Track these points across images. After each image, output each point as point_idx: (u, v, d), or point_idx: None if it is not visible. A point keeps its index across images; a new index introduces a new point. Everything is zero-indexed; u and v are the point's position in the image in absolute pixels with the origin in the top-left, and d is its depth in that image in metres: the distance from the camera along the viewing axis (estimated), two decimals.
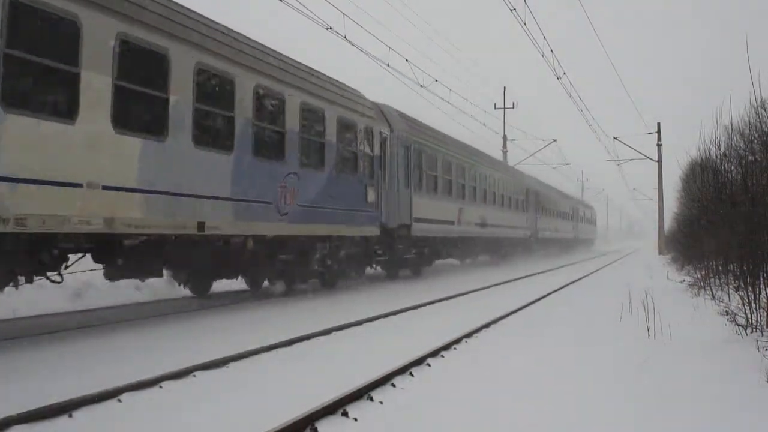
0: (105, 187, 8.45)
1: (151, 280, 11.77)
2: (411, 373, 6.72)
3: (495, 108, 46.14)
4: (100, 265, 9.65)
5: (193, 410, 5.39)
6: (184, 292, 13.53)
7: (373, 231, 16.53)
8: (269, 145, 12.28)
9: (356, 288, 16.79)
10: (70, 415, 5.12)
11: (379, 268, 19.47)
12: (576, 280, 20.81)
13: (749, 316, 8.57)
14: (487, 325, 10.10)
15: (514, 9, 19.31)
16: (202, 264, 12.11)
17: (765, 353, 6.90)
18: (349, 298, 14.54)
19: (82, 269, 9.64)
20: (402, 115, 19.76)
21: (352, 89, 16.51)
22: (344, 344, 8.60)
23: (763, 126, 11.15)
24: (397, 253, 19.07)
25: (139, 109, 9.32)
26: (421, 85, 23.61)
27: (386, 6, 28.11)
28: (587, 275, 23.70)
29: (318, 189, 13.86)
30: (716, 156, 14.64)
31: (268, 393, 5.98)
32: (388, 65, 19.77)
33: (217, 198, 10.64)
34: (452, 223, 23.12)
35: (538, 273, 24.75)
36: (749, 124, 12.53)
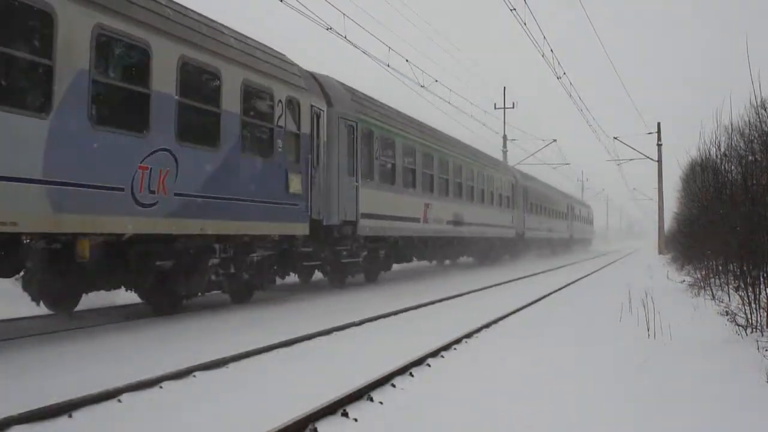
0: None
1: None
2: (411, 374, 6.72)
3: (495, 108, 46.23)
4: None
5: (193, 410, 5.39)
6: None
7: (298, 228, 13.22)
8: (121, 111, 9.17)
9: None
10: (70, 416, 5.12)
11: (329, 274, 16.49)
12: (576, 281, 20.81)
13: (749, 316, 8.58)
14: (487, 326, 10.10)
15: (514, 9, 19.34)
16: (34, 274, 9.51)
17: (765, 353, 6.91)
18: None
19: None
20: (349, 90, 16.53)
21: (272, 50, 13.19)
22: (344, 344, 8.61)
23: (763, 126, 11.17)
24: (338, 256, 15.80)
25: None
26: (421, 86, 23.62)
27: (386, 6, 28.15)
28: (587, 275, 23.71)
29: (210, 174, 10.54)
30: (716, 156, 14.67)
31: (268, 393, 5.98)
32: (388, 65, 19.77)
33: (20, 180, 7.46)
34: (417, 220, 20.05)
35: (538, 273, 24.75)
36: (749, 123, 12.56)
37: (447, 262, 28.12)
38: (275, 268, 13.37)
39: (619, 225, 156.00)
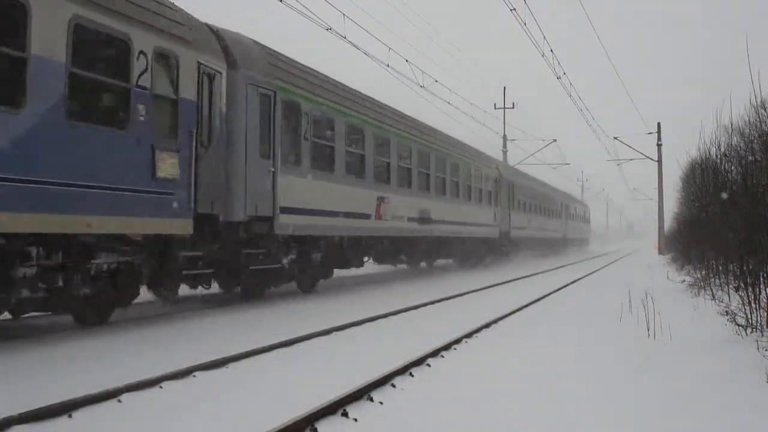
0: None
1: None
2: (411, 374, 6.72)
3: (495, 108, 46.18)
4: None
5: (193, 410, 5.39)
6: None
7: (173, 226, 9.89)
8: None
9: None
10: (70, 416, 5.12)
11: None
12: (576, 281, 20.82)
13: (749, 316, 8.59)
14: (487, 325, 10.10)
15: (514, 9, 19.31)
16: None
17: (765, 353, 6.91)
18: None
19: None
20: (269, 52, 13.09)
21: None
22: (344, 344, 8.60)
23: (763, 126, 11.15)
24: (247, 261, 12.12)
25: None
26: (421, 86, 23.60)
27: (386, 6, 28.19)
28: (587, 275, 23.71)
29: (7, 145, 7.32)
30: (716, 156, 14.67)
31: (268, 393, 5.98)
32: (388, 65, 19.75)
33: None
34: (368, 217, 16.60)
35: (538, 273, 24.75)
36: (749, 123, 12.55)
37: (423, 264, 25.13)
38: (143, 278, 9.97)
39: (619, 225, 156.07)
